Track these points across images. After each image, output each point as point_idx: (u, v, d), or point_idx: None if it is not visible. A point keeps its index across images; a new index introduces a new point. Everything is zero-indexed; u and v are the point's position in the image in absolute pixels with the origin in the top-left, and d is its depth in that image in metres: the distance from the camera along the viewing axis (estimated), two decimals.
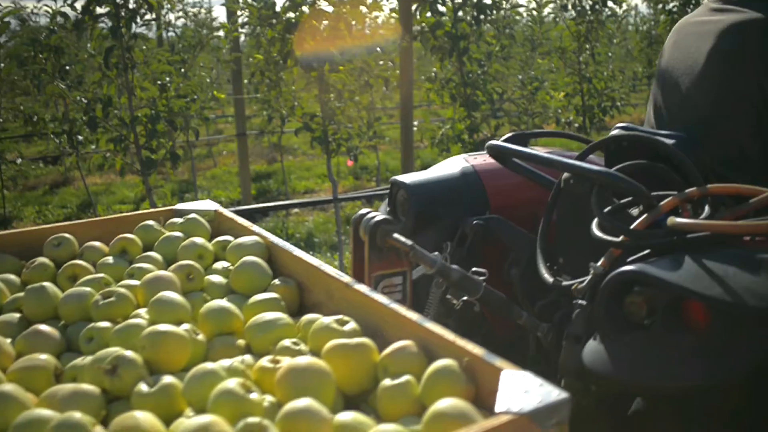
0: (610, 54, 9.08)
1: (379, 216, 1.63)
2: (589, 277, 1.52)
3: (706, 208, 1.45)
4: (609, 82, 7.90)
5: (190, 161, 8.41)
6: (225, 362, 1.01)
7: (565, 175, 1.70)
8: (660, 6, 8.47)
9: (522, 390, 0.88)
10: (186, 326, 1.11)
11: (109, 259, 1.43)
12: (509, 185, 2.04)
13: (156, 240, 1.52)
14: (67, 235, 1.50)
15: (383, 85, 6.02)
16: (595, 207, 1.52)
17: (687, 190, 1.48)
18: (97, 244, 1.49)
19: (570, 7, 7.15)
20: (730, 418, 1.33)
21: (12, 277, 1.39)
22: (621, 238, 1.47)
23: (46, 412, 0.92)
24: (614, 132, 1.79)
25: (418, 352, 1.03)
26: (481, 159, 2.11)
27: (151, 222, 1.57)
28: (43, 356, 1.11)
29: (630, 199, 1.60)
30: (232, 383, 0.90)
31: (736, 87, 1.72)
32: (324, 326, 1.11)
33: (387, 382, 0.99)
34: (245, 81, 8.59)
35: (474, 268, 1.68)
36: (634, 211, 1.58)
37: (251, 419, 0.84)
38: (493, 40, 6.68)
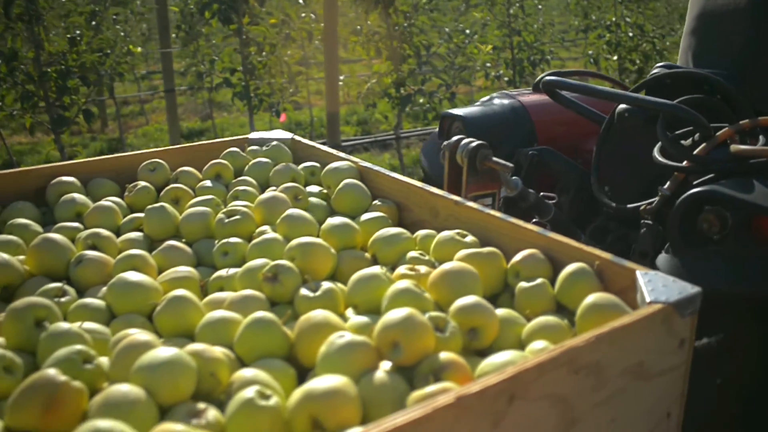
0: (540, 6, 8.96)
1: (476, 141, 1.72)
2: (657, 199, 1.64)
3: (761, 137, 1.58)
4: (539, 35, 7.78)
5: (117, 119, 7.91)
6: (374, 269, 1.10)
7: (621, 108, 1.81)
8: None
9: (660, 285, 0.99)
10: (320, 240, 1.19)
11: (207, 183, 1.49)
12: (554, 120, 2.15)
13: (243, 166, 1.59)
14: (160, 160, 1.55)
15: (306, 38, 5.92)
16: (661, 135, 1.63)
17: (740, 122, 1.61)
18: (189, 169, 1.54)
19: None
20: None
21: (118, 199, 1.44)
22: (685, 163, 1.59)
23: (230, 313, 1.00)
24: (657, 70, 1.90)
25: (545, 258, 1.14)
26: (525, 96, 2.21)
27: (236, 149, 1.63)
28: (186, 268, 1.18)
29: (683, 130, 1.71)
30: (405, 284, 1.00)
31: None
32: (448, 238, 1.21)
33: (524, 284, 1.09)
34: (174, 35, 8.18)
35: (543, 193, 1.79)
36: (686, 142, 1.70)
37: (433, 313, 0.94)
38: None
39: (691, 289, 0.99)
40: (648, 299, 0.96)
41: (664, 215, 1.61)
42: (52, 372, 0.82)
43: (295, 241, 1.15)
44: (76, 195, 1.41)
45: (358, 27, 6.31)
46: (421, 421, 0.72)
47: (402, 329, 0.87)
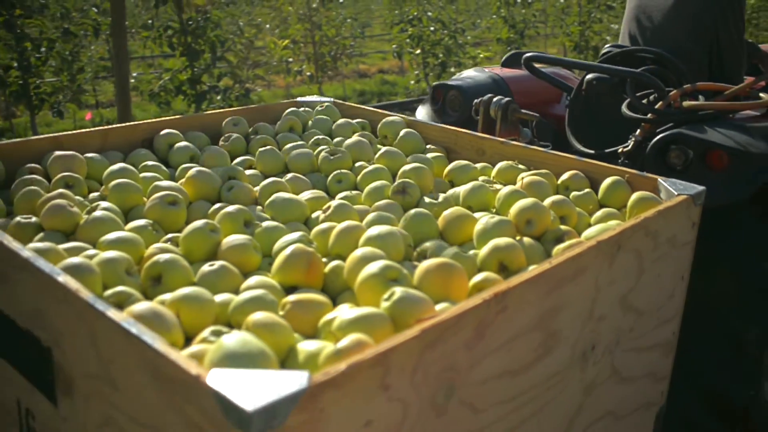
0: (341, 1, 8.90)
1: (506, 98, 2.13)
2: (630, 143, 2.11)
3: (700, 97, 2.09)
4: (340, 29, 7.63)
5: None
6: (468, 186, 1.48)
7: (589, 76, 2.28)
8: None
9: (678, 186, 1.44)
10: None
11: (288, 134, 1.81)
12: (526, 90, 2.61)
13: (306, 121, 1.91)
14: (240, 117, 1.85)
15: (92, 33, 5.39)
16: (631, 95, 2.11)
17: (684, 86, 2.11)
18: (263, 124, 1.85)
19: None
20: (755, 224, 1.96)
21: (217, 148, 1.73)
22: (649, 115, 2.07)
23: (388, 214, 1.35)
24: (609, 49, 2.39)
25: (584, 176, 1.56)
26: (499, 70, 2.66)
27: (293, 108, 1.95)
28: (309, 193, 1.51)
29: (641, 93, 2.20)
30: (508, 188, 1.39)
31: (697, 17, 2.36)
32: (507, 166, 1.60)
33: (576, 193, 1.51)
34: None
35: (541, 142, 2.22)
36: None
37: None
38: None
39: (698, 188, 1.44)
40: (675, 193, 1.40)
41: (635, 155, 2.09)
42: (303, 245, 1.15)
43: (407, 166, 1.51)
44: (187, 143, 1.69)
45: (149, 21, 5.97)
46: (575, 258, 1.11)
47: (534, 210, 1.27)
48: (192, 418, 0.78)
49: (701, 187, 1.43)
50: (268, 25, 7.63)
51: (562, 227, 1.29)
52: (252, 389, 0.72)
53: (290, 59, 7.10)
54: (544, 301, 1.06)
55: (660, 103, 2.08)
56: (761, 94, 2.04)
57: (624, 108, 2.15)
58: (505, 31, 8.80)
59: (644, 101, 2.18)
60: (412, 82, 8.31)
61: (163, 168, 1.60)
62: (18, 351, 1.10)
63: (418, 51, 8.02)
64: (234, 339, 0.81)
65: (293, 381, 0.74)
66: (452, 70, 8.18)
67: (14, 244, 1.03)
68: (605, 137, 2.18)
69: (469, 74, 2.65)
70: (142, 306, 0.91)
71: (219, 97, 5.95)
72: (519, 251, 1.16)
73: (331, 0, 7.28)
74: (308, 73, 7.19)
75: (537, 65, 2.43)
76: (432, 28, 8.12)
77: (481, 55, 8.60)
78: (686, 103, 2.02)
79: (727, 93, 2.08)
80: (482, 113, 2.18)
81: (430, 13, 8.25)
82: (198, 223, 1.21)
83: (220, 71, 6.11)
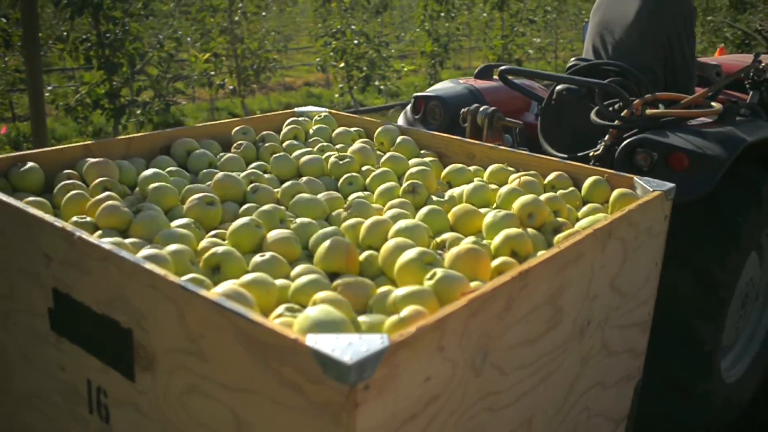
0: (264, 14, 8.56)
1: (490, 108, 2.32)
2: (601, 147, 2.33)
3: (660, 105, 2.32)
4: (263, 42, 7.42)
5: None
6: (470, 185, 1.66)
7: (559, 87, 2.50)
8: None
9: (653, 183, 1.65)
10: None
11: (294, 141, 1.96)
12: (499, 100, 2.81)
13: (306, 129, 2.07)
14: (248, 126, 1.99)
15: (1, 44, 5.12)
16: (599, 104, 2.33)
17: (645, 96, 2.34)
18: (270, 132, 2.00)
19: None
20: (704, 216, 2.19)
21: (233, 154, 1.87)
22: (616, 122, 2.29)
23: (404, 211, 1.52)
24: (574, 62, 2.61)
25: (567, 176, 1.76)
26: (472, 81, 2.86)
27: (294, 118, 2.10)
28: (324, 194, 1.66)
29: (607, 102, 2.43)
30: (506, 187, 1.57)
31: (655, 36, 2.61)
32: (498, 168, 1.79)
33: (562, 191, 1.70)
34: None
35: (521, 147, 2.42)
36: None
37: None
38: None
39: (669, 185, 1.65)
40: (650, 189, 1.61)
41: (605, 158, 2.30)
42: (340, 237, 1.31)
43: (414, 168, 1.69)
44: (204, 150, 1.83)
45: (65, 33, 5.71)
46: (577, 244, 1.30)
47: (534, 205, 1.46)
48: (288, 377, 0.93)
49: (672, 184, 1.65)
50: (189, 38, 7.37)
51: (559, 219, 1.48)
52: (345, 348, 0.88)
53: (212, 72, 6.86)
54: (553, 281, 1.25)
55: (625, 111, 2.31)
56: (712, 103, 2.29)
57: (593, 116, 2.37)
58: (429, 44, 8.92)
59: (610, 109, 2.41)
60: (337, 95, 8.17)
61: (185, 172, 1.73)
62: (92, 335, 1.22)
63: (342, 65, 7.95)
64: (317, 310, 0.97)
65: (377, 341, 0.90)
66: (377, 83, 8.22)
67: (95, 239, 1.16)
68: (575, 142, 2.40)
69: (446, 86, 2.84)
70: (224, 287, 1.06)
71: (139, 111, 5.80)
72: (527, 240, 1.35)
73: (254, 13, 7.07)
74: (230, 87, 6.97)
75: (510, 77, 2.64)
76: (356, 42, 8.05)
77: (406, 69, 8.71)
78: (649, 111, 2.25)
79: (683, 102, 2.32)
80: (470, 121, 2.38)
81: (354, 27, 8.20)
82: (244, 219, 1.35)
83: (139, 85, 5.97)
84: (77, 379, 1.28)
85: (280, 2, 11.27)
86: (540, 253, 1.28)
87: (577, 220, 1.60)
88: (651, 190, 1.61)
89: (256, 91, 8.26)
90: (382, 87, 8.01)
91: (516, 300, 1.15)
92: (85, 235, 1.18)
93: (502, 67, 2.63)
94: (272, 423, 0.97)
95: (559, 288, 1.27)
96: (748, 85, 2.75)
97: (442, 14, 9.23)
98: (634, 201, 1.56)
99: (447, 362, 1.02)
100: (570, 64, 2.65)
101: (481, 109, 2.36)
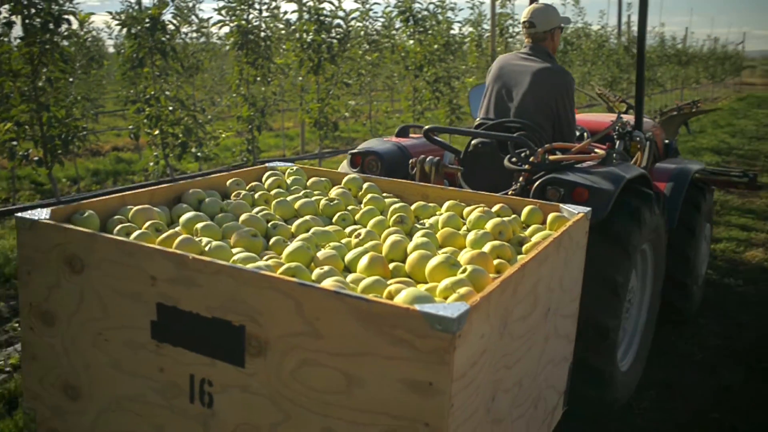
0: (71, 79, 8.23)
1: (436, 157, 2.78)
2: (515, 187, 2.86)
3: (558, 152, 2.92)
4: (71, 110, 7.06)
5: None
6: (450, 214, 2.12)
7: (475, 141, 3.05)
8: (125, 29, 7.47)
9: (574, 209, 2.19)
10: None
11: (280, 190, 2.34)
12: (420, 151, 3.32)
13: (285, 180, 2.46)
14: (239, 178, 2.35)
15: None
16: (513, 153, 2.88)
17: (545, 146, 2.93)
18: (258, 183, 2.37)
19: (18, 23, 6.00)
20: (614, 238, 2.77)
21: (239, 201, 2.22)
22: (525, 166, 2.85)
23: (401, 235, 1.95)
24: (481, 120, 3.19)
25: (508, 207, 2.27)
26: (396, 139, 3.37)
27: (274, 172, 2.48)
28: (335, 226, 2.07)
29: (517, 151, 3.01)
30: (475, 213, 2.05)
31: (543, 101, 3.24)
32: (453, 204, 2.27)
33: (506, 218, 2.20)
34: None
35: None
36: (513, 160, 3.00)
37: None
38: None
39: (587, 209, 2.20)
40: (576, 212, 2.15)
41: (520, 195, 2.85)
42: (376, 253, 1.73)
43: (396, 205, 2.13)
44: (213, 198, 2.17)
45: None
46: (546, 248, 1.79)
47: (503, 225, 1.94)
48: (399, 336, 1.33)
49: (588, 208, 2.20)
50: None
51: (520, 235, 1.98)
52: (446, 308, 1.30)
53: (14, 142, 6.36)
54: (534, 274, 1.73)
55: (532, 158, 2.89)
56: (595, 150, 2.93)
57: (506, 162, 2.92)
58: (245, 109, 8.81)
59: (522, 156, 2.99)
60: (152, 163, 7.76)
61: (204, 215, 2.07)
62: (197, 337, 1.54)
63: (157, 132, 7.59)
64: (407, 292, 1.38)
65: (461, 306, 1.33)
66: (194, 150, 7.85)
67: (208, 258, 1.50)
68: (490, 184, 2.95)
69: (376, 143, 3.32)
70: (330, 281, 1.45)
71: None
72: (508, 248, 1.83)
73: (58, 79, 6.52)
74: (36, 158, 6.45)
75: (433, 135, 3.18)
76: (171, 108, 7.69)
77: (224, 135, 8.60)
78: (552, 157, 2.84)
79: (573, 150, 2.94)
80: (419, 169, 2.84)
81: (168, 92, 7.83)
82: (297, 243, 1.74)
83: None
84: (178, 376, 1.58)
85: (85, 66, 10.82)
86: (520, 256, 1.75)
87: (528, 237, 2.11)
88: (576, 213, 2.15)
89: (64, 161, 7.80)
90: (199, 154, 7.91)
91: (519, 285, 1.61)
92: (197, 256, 1.52)
93: (427, 127, 3.15)
94: (382, 374, 1.36)
95: (538, 280, 1.76)
96: (615, 136, 3.48)
97: (258, 78, 9.09)
98: (567, 221, 2.09)
99: (489, 326, 1.46)
100: (477, 122, 3.22)
101: (428, 159, 2.84)
